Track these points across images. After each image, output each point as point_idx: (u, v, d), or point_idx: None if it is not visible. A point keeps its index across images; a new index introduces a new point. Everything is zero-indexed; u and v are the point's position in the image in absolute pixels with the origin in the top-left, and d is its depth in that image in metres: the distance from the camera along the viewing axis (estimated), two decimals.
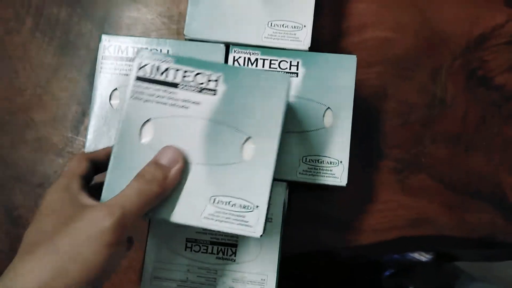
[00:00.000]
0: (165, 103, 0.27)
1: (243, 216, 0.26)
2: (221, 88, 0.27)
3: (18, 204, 0.39)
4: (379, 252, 0.39)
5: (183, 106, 0.27)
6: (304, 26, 0.34)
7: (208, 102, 0.27)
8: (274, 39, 0.33)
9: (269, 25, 0.34)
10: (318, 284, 0.45)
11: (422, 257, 0.47)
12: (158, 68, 0.27)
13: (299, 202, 0.38)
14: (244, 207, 0.26)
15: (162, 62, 0.27)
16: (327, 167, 0.32)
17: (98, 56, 0.34)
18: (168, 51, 0.34)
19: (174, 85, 0.27)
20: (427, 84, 0.40)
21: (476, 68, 0.40)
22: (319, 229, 0.38)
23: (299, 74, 0.33)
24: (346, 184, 0.32)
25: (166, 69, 0.27)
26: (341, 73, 0.33)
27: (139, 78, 0.27)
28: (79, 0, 0.41)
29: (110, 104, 0.33)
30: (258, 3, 0.34)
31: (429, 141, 0.39)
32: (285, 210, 0.33)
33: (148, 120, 0.27)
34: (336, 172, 0.32)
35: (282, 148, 0.32)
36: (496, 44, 0.40)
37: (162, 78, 0.27)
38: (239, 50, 0.33)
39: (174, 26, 0.40)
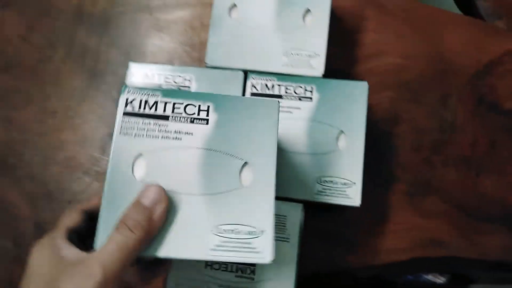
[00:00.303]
0: (156, 136, 0.27)
1: (250, 243, 0.26)
2: (212, 117, 0.27)
3: (47, 219, 0.41)
4: (393, 272, 0.40)
5: (175, 138, 0.27)
6: (318, 54, 0.36)
7: (201, 131, 0.27)
8: (289, 66, 0.36)
9: (285, 53, 0.36)
10: None
11: (437, 279, 0.48)
12: (146, 102, 0.27)
13: (313, 222, 0.39)
14: (250, 233, 0.26)
15: (150, 96, 0.27)
16: (341, 188, 0.33)
17: (126, 80, 0.36)
18: (191, 78, 0.36)
19: (165, 117, 0.27)
20: (438, 109, 0.41)
21: (485, 94, 0.41)
22: (332, 249, 0.39)
23: (313, 99, 0.35)
24: (360, 205, 0.33)
25: (155, 103, 0.27)
26: (353, 98, 0.34)
27: (126, 114, 0.27)
28: (107, 30, 0.44)
29: None
30: (274, 33, 0.36)
31: (440, 165, 0.40)
32: (302, 230, 0.34)
33: (139, 155, 0.26)
34: (350, 193, 0.33)
35: (297, 170, 0.34)
36: (504, 70, 0.41)
37: (151, 112, 0.27)
38: (257, 77, 0.36)
39: (196, 54, 0.43)
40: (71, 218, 0.27)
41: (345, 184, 0.33)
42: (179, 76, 0.36)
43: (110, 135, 0.42)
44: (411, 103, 0.41)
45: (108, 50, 0.44)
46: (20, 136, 0.42)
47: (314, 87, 0.35)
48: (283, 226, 0.33)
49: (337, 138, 0.34)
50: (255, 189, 0.26)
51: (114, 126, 0.42)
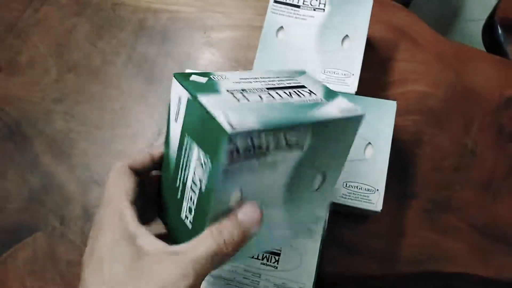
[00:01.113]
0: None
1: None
2: None
3: (93, 204, 0.45)
4: (407, 284, 0.42)
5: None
6: (353, 74, 0.40)
7: None
8: (326, 83, 0.40)
9: (323, 71, 0.40)
10: None
11: None
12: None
13: (335, 230, 0.42)
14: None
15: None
16: (364, 193, 0.37)
17: None
18: None
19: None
20: (460, 135, 0.44)
21: (505, 125, 0.44)
22: (350, 255, 0.42)
23: None
24: (381, 213, 0.36)
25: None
26: (382, 115, 0.38)
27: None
28: (165, 43, 0.50)
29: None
30: (315, 53, 0.41)
31: (459, 186, 0.43)
32: (325, 228, 0.37)
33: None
34: (373, 198, 0.37)
35: None
36: None
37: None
38: None
39: (241, 68, 0.48)
40: (129, 184, 0.25)
41: (368, 190, 0.37)
42: None
43: (159, 133, 0.47)
44: (435, 128, 0.44)
45: (164, 60, 0.49)
46: (78, 128, 0.48)
47: None
48: None
49: (365, 149, 0.38)
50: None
51: (163, 125, 0.47)
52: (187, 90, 0.24)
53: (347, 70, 0.40)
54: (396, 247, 0.41)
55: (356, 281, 0.42)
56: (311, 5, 0.43)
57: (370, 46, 0.47)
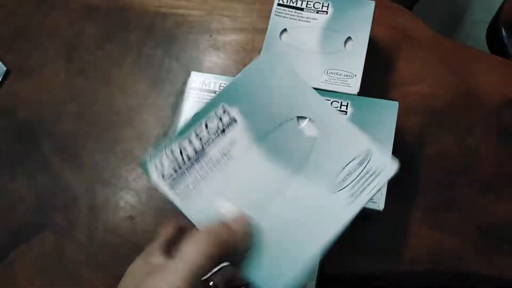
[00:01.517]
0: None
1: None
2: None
3: (100, 203, 0.46)
4: (409, 283, 0.42)
5: None
6: (355, 75, 0.40)
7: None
8: (329, 83, 0.41)
9: (326, 72, 0.41)
10: None
11: None
12: None
13: None
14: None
15: None
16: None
17: (186, 87, 0.42)
18: None
19: None
20: (463, 136, 0.44)
21: (508, 126, 0.44)
22: (353, 254, 0.42)
23: (347, 113, 0.39)
24: (384, 213, 0.37)
25: None
26: (384, 115, 0.39)
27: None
28: (171, 46, 0.51)
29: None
30: (318, 55, 0.42)
31: (463, 186, 0.43)
32: None
33: None
34: (375, 198, 0.37)
35: None
36: None
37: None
38: None
39: None
40: (166, 231, 0.30)
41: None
42: None
43: (165, 134, 0.48)
44: (438, 129, 0.45)
45: (171, 63, 0.50)
46: (86, 129, 0.49)
47: (349, 102, 0.39)
48: None
49: None
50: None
51: (168, 126, 0.47)
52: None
53: (349, 71, 0.41)
54: (399, 247, 0.42)
55: (358, 280, 0.42)
56: (314, 7, 0.43)
57: (373, 48, 0.47)
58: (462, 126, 0.45)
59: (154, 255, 0.28)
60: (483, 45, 0.66)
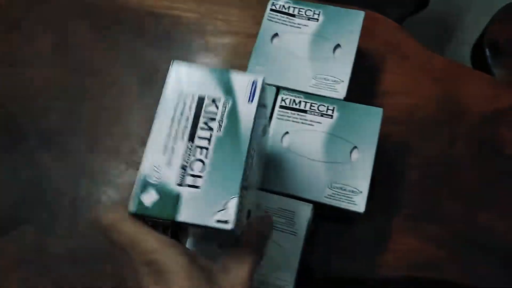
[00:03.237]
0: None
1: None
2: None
3: (83, 197, 0.46)
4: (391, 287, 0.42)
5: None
6: (342, 81, 0.41)
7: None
8: (316, 88, 0.41)
9: (314, 77, 0.42)
10: None
11: None
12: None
13: (320, 232, 0.43)
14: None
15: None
16: (349, 194, 0.37)
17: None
18: None
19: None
20: (445, 147, 0.45)
21: (489, 139, 0.45)
22: (335, 258, 0.42)
23: (333, 117, 0.40)
24: (367, 218, 0.37)
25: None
26: (368, 120, 0.39)
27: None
28: (164, 46, 0.52)
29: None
30: (307, 60, 0.43)
31: (444, 196, 0.44)
32: (308, 228, 0.38)
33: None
34: (356, 200, 0.37)
35: (313, 174, 0.38)
36: (509, 121, 0.46)
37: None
38: (287, 93, 0.41)
39: None
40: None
41: (353, 191, 0.37)
42: None
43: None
44: (421, 140, 0.46)
45: (163, 62, 0.51)
46: (74, 124, 0.49)
47: (335, 107, 0.40)
48: (291, 220, 0.37)
49: (351, 152, 0.39)
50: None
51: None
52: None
53: (337, 77, 0.42)
54: (380, 252, 0.42)
55: (338, 284, 0.42)
56: (306, 14, 0.44)
57: (361, 57, 0.48)
58: (445, 137, 0.46)
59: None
60: (467, 65, 0.68)
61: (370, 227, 0.43)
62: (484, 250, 0.42)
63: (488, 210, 0.43)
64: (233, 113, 0.28)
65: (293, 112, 0.41)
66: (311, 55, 0.43)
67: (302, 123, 0.40)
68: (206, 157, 0.27)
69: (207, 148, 0.27)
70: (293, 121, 0.40)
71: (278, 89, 0.42)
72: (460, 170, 0.44)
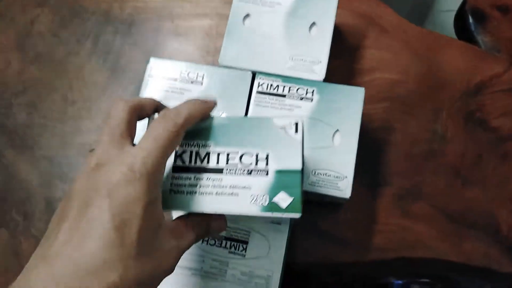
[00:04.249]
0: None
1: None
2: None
3: (57, 198, 0.44)
4: (379, 271, 0.41)
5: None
6: (320, 61, 0.39)
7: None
8: (294, 70, 0.39)
9: (291, 58, 0.40)
10: None
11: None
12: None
13: (306, 218, 0.41)
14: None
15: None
16: (333, 180, 0.36)
17: (145, 75, 0.40)
18: (203, 74, 0.40)
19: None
20: (429, 122, 0.44)
21: (474, 111, 0.44)
22: (324, 244, 0.41)
23: (313, 100, 0.38)
24: (353, 201, 0.36)
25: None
26: (350, 101, 0.38)
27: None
28: (131, 32, 0.48)
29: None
30: (282, 41, 0.40)
31: (430, 173, 0.43)
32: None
33: None
34: (341, 185, 0.36)
35: None
36: (493, 91, 0.45)
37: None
38: (264, 77, 0.39)
39: (210, 58, 0.47)
40: (125, 121, 0.26)
41: (337, 177, 0.36)
42: (193, 72, 0.40)
43: None
44: (405, 115, 0.44)
45: (130, 50, 0.48)
46: (40, 121, 0.46)
47: (315, 89, 0.38)
48: None
49: (333, 136, 0.37)
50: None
51: None
52: None
53: (314, 57, 0.40)
54: (369, 235, 0.41)
55: (329, 269, 0.42)
56: None
57: (338, 34, 0.46)
58: (428, 112, 0.45)
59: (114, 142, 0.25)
60: (450, 33, 0.66)
61: (355, 210, 0.42)
62: (474, 226, 0.41)
63: (475, 184, 0.42)
64: None
65: (271, 97, 0.39)
66: (286, 35, 0.41)
67: (281, 108, 0.38)
68: None
69: None
70: (271, 107, 0.38)
71: (254, 73, 0.40)
72: (446, 145, 0.44)
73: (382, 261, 0.40)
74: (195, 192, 0.26)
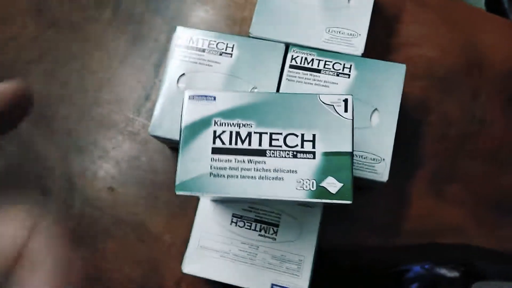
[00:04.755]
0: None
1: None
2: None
3: (76, 173, 0.42)
4: (409, 256, 0.40)
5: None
6: (359, 34, 0.37)
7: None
8: (330, 43, 0.37)
9: (327, 30, 0.37)
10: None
11: (450, 273, 0.48)
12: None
13: None
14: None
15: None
16: (370, 163, 0.34)
17: (171, 44, 0.38)
18: (233, 45, 0.37)
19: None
20: (468, 103, 0.42)
21: None
22: (351, 226, 0.39)
23: (351, 76, 0.36)
24: (385, 186, 0.34)
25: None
26: (390, 79, 0.35)
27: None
28: None
29: (178, 86, 0.37)
30: (319, 10, 0.38)
31: (466, 156, 0.41)
32: None
33: None
34: (378, 168, 0.34)
35: None
36: None
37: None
38: (298, 50, 0.37)
39: (237, 28, 0.44)
40: None
41: (374, 159, 0.34)
42: (222, 42, 0.37)
43: (147, 97, 0.43)
44: (442, 95, 0.42)
45: (153, 18, 0.45)
46: (59, 91, 0.44)
47: (352, 64, 0.36)
48: None
49: (371, 115, 0.35)
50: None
51: (151, 89, 0.43)
52: None
53: (353, 30, 0.37)
54: (399, 218, 0.39)
55: (357, 253, 0.40)
56: None
57: (375, 6, 0.43)
58: (467, 92, 0.42)
59: None
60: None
61: (386, 192, 0.40)
62: (508, 212, 0.40)
63: (511, 171, 0.40)
64: None
65: (305, 72, 0.36)
66: (323, 5, 0.38)
67: (316, 84, 0.36)
68: None
69: None
70: (305, 82, 0.36)
71: (288, 46, 0.37)
72: (484, 128, 0.41)
73: (411, 246, 0.39)
74: (237, 176, 0.25)
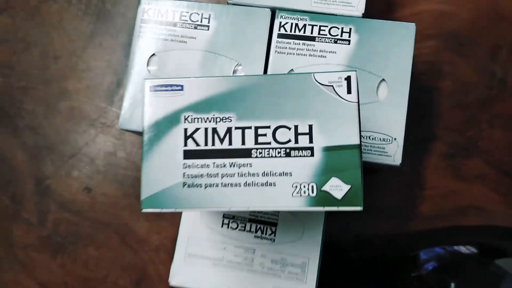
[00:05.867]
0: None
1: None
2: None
3: (48, 174, 0.37)
4: (425, 242, 0.36)
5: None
6: None
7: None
8: (324, 4, 0.31)
9: None
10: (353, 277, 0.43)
11: (467, 251, 0.44)
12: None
13: None
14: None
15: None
16: (379, 144, 0.29)
17: (136, 20, 0.32)
18: (210, 15, 0.32)
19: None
20: (486, 63, 0.36)
21: None
22: (360, 214, 0.35)
23: (351, 42, 0.30)
24: (397, 167, 0.29)
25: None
26: (398, 42, 0.30)
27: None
28: None
29: (148, 70, 0.31)
30: None
31: (486, 124, 0.36)
32: None
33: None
34: (389, 150, 0.29)
35: None
36: None
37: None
38: (286, 15, 0.31)
39: None
40: None
41: (384, 139, 0.29)
42: (196, 13, 0.32)
43: (118, 84, 0.38)
44: (457, 55, 0.36)
45: None
46: (20, 83, 0.39)
47: (352, 28, 0.30)
48: None
49: (378, 88, 0.30)
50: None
51: (123, 74, 0.38)
52: None
53: None
54: (413, 201, 0.35)
55: (367, 242, 0.36)
56: None
57: None
58: (485, 50, 0.37)
59: None
60: None
61: (397, 172, 0.35)
62: None
63: None
64: None
65: (296, 41, 0.31)
66: None
67: (311, 55, 0.30)
68: None
69: None
70: (298, 54, 0.31)
71: (274, 11, 0.32)
72: (505, 90, 0.36)
73: (427, 231, 0.35)
74: (217, 184, 0.20)
